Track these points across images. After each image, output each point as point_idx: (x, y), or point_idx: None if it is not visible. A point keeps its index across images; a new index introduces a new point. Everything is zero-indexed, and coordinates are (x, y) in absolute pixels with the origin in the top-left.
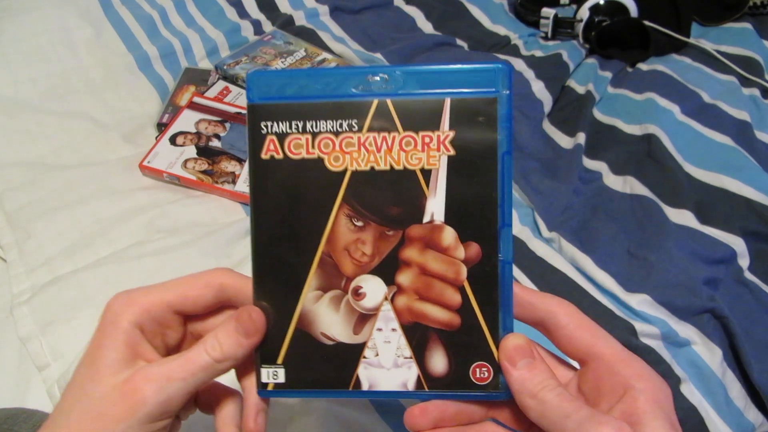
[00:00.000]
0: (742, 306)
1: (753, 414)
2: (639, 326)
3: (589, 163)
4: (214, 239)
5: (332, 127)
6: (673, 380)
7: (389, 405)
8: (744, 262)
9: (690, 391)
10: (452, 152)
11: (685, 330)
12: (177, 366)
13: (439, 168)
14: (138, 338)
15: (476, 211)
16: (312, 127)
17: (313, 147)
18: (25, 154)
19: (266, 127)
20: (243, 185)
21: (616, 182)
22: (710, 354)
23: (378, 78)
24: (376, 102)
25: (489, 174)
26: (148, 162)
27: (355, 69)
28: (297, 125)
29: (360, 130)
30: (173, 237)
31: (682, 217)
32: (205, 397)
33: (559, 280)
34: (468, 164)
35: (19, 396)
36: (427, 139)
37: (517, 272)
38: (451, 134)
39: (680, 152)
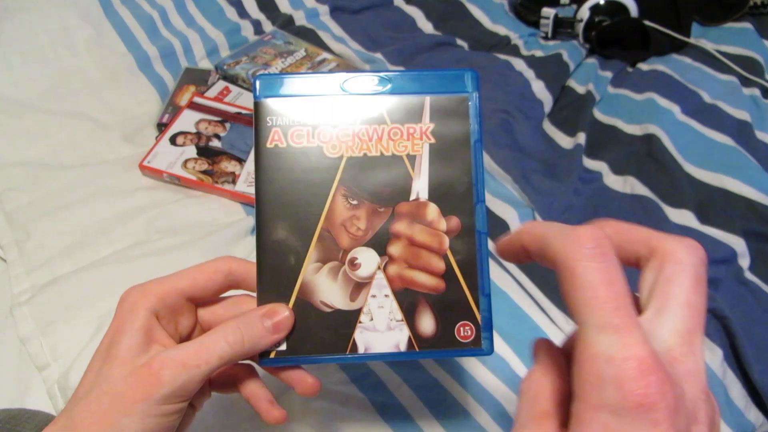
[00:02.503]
0: (743, 306)
1: (753, 414)
2: None
3: (590, 163)
4: (214, 239)
5: (330, 120)
6: None
7: (389, 405)
8: (744, 262)
9: None
10: (433, 141)
11: None
12: (193, 353)
13: (422, 154)
14: (154, 324)
15: (455, 190)
16: (312, 120)
17: (313, 137)
18: (25, 154)
19: (271, 120)
20: (243, 185)
21: (616, 182)
22: (710, 354)
23: (369, 80)
24: (367, 100)
25: (464, 158)
26: (148, 162)
27: (348, 72)
28: (299, 119)
29: (354, 123)
30: (173, 237)
31: (683, 217)
32: (221, 378)
33: None
34: (446, 150)
35: (19, 396)
36: (411, 130)
37: (517, 272)
38: (432, 126)
39: (680, 152)
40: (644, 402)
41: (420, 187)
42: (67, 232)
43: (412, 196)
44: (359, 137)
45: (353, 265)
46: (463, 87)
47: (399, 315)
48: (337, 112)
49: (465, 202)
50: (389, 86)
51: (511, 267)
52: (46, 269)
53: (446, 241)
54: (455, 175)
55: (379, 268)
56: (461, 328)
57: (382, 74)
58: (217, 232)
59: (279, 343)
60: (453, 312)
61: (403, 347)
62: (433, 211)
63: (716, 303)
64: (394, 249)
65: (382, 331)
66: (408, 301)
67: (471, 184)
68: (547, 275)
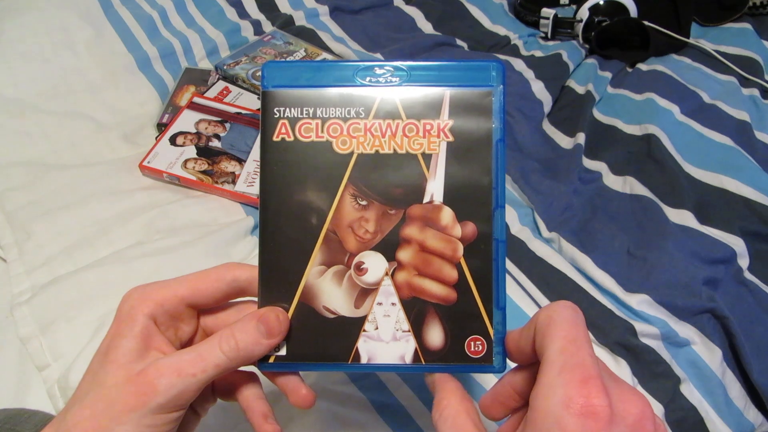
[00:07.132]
0: (742, 306)
1: (753, 414)
2: (639, 326)
3: (589, 163)
4: (214, 239)
5: (341, 113)
6: (673, 380)
7: (389, 405)
8: (744, 262)
9: (690, 391)
10: (451, 139)
11: (685, 330)
12: (188, 362)
13: (438, 153)
14: (152, 330)
15: (472, 193)
16: (322, 113)
17: (322, 131)
18: (25, 154)
19: (279, 111)
20: (243, 185)
21: (616, 182)
22: (710, 354)
23: (385, 70)
24: (382, 92)
25: (484, 159)
26: (148, 162)
27: (364, 62)
28: (308, 111)
29: (366, 116)
30: (173, 237)
31: (682, 217)
32: (223, 385)
33: (559, 280)
34: (465, 150)
35: (19, 396)
36: (428, 126)
37: (517, 272)
38: (450, 122)
39: (680, 152)
40: None
41: (434, 189)
42: (67, 232)
43: (426, 199)
44: (371, 132)
45: (359, 269)
46: (488, 80)
47: (406, 325)
48: (348, 104)
49: (483, 206)
50: (406, 78)
51: (511, 267)
52: (46, 269)
53: (460, 248)
54: (473, 177)
55: (386, 274)
56: (472, 343)
57: (399, 64)
58: (217, 232)
59: (278, 348)
60: (464, 325)
61: (408, 359)
62: (447, 215)
63: (716, 303)
64: (404, 255)
65: (387, 341)
66: (416, 310)
67: (490, 187)
68: (547, 275)
